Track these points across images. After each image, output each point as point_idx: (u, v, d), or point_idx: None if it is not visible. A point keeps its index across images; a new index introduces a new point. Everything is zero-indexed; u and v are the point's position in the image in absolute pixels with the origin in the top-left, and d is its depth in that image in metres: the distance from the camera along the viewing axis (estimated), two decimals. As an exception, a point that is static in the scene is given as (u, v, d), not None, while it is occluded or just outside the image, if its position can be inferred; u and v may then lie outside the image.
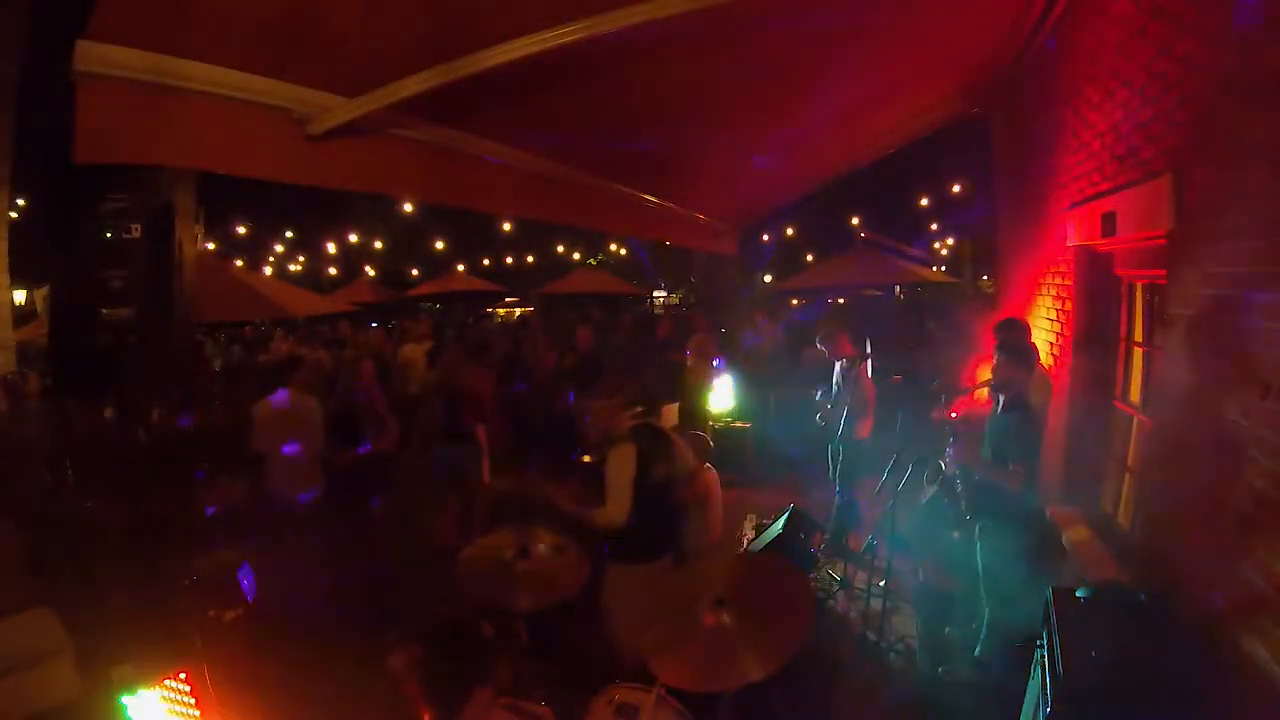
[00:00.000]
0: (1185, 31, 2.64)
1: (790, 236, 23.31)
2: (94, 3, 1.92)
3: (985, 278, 15.10)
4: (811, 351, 8.49)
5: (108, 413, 4.82)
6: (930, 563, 4.73)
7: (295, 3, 2.31)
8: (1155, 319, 3.48)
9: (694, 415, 7.01)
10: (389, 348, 9.38)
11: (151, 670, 2.20)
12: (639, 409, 3.47)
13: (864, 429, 5.54)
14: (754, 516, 5.78)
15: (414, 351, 8.36)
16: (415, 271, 24.43)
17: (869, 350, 5.81)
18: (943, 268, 21.07)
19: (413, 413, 5.86)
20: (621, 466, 3.27)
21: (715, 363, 7.59)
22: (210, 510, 4.94)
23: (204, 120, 2.36)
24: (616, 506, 3.24)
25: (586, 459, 5.25)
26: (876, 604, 4.37)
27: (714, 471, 4.23)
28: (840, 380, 5.68)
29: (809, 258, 22.78)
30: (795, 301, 18.41)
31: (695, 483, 3.64)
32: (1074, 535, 3.87)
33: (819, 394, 5.86)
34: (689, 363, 7.39)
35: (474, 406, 5.72)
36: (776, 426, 7.58)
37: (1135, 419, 3.76)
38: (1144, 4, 3.04)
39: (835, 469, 5.74)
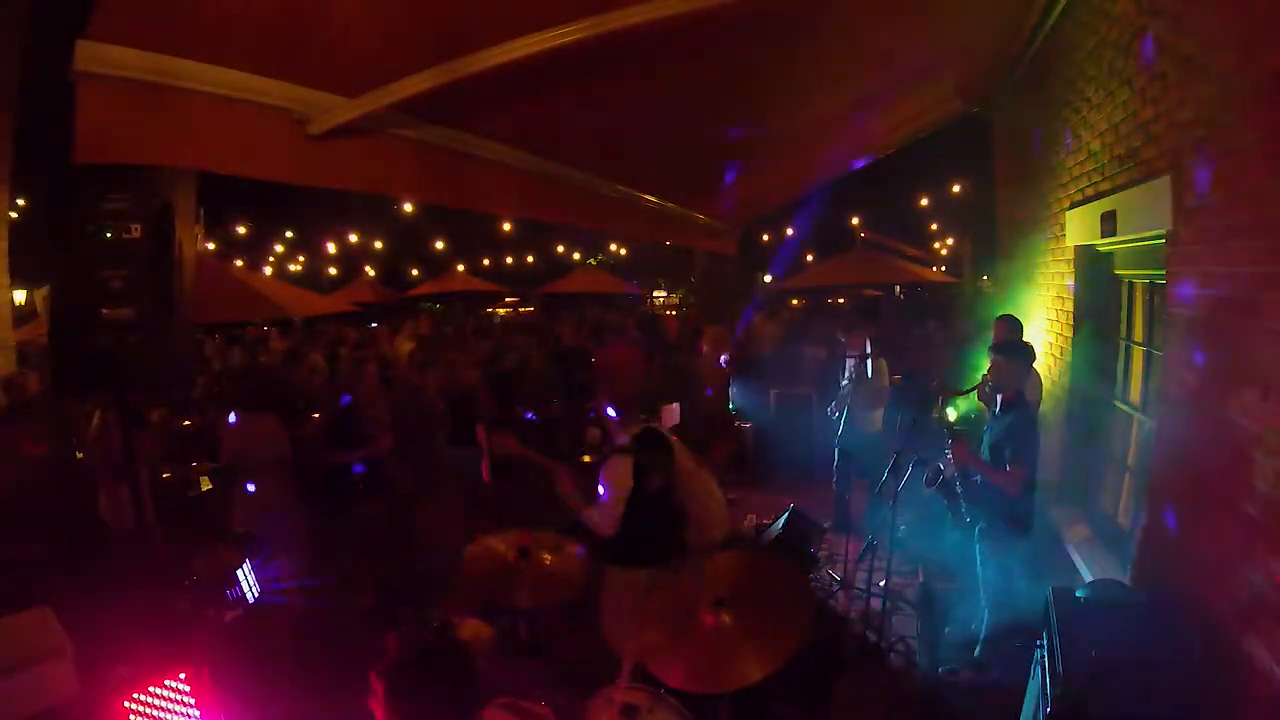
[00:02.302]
0: (1185, 31, 2.64)
1: (790, 236, 23.28)
2: (94, 3, 1.92)
3: (985, 278, 15.09)
4: (812, 351, 8.52)
5: (97, 418, 4.80)
6: (930, 562, 4.73)
7: (295, 2, 2.31)
8: (1155, 319, 3.48)
9: (713, 412, 7.01)
10: (389, 347, 9.39)
11: (151, 670, 2.20)
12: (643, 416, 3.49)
13: (876, 422, 5.70)
14: (754, 516, 5.78)
15: (404, 348, 8.38)
16: (415, 271, 24.43)
17: (867, 350, 5.84)
18: (943, 268, 21.05)
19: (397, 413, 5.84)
20: (617, 478, 3.24)
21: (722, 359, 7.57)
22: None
23: (204, 120, 2.35)
24: (607, 517, 3.23)
25: (586, 459, 5.26)
26: (876, 604, 4.37)
27: (708, 469, 4.20)
28: (855, 374, 5.75)
29: (809, 258, 22.77)
30: (795, 301, 18.42)
31: (689, 484, 3.63)
32: (1074, 535, 3.88)
33: (844, 384, 5.92)
34: (704, 355, 7.36)
35: (474, 407, 5.72)
36: (777, 426, 7.58)
37: (1135, 419, 3.76)
38: (1144, 4, 3.04)
39: (840, 464, 5.78)
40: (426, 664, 1.67)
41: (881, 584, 4.44)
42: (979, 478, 3.65)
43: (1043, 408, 4.44)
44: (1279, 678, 1.83)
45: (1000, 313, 5.14)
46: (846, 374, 5.99)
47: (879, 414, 5.78)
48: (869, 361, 5.71)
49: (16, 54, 5.65)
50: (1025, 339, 4.24)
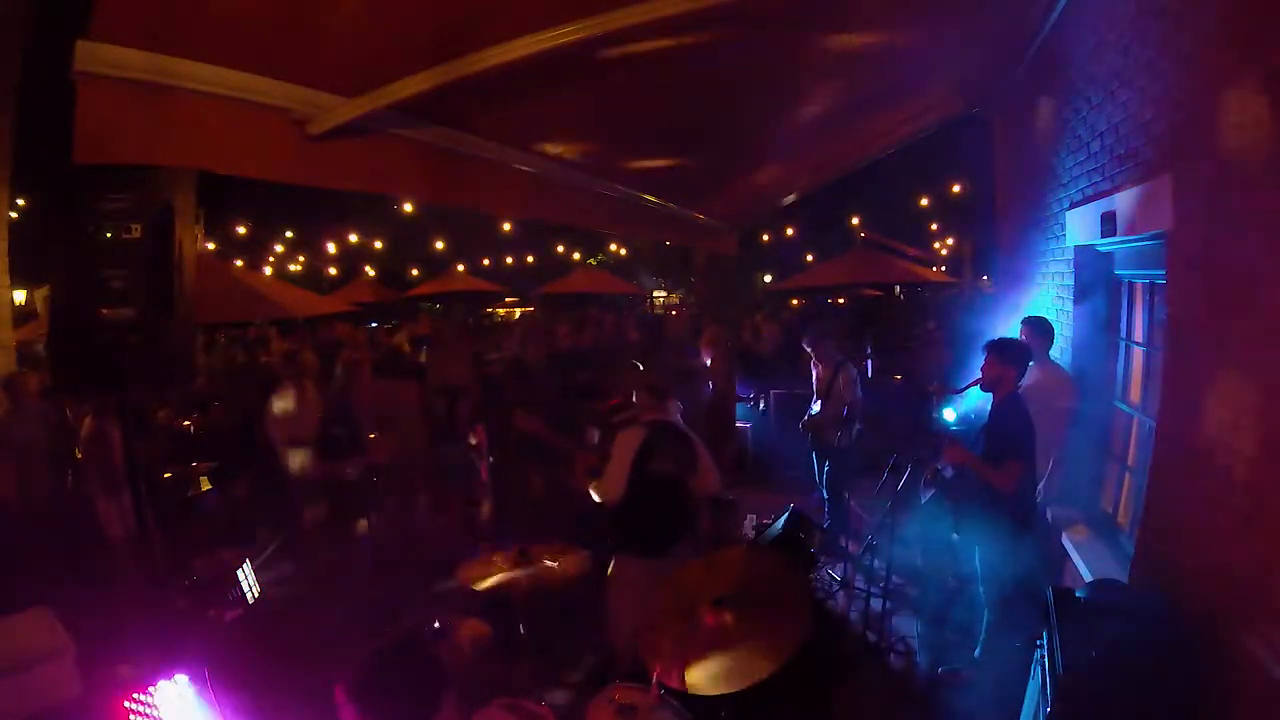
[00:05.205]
0: (1185, 31, 2.64)
1: (790, 236, 23.30)
2: (94, 3, 1.91)
3: (985, 278, 15.10)
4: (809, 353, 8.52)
5: (89, 422, 4.79)
6: (930, 563, 4.73)
7: (296, 2, 2.31)
8: (1155, 319, 3.48)
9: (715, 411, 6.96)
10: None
11: (151, 670, 2.20)
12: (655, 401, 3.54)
13: (849, 434, 5.57)
14: (754, 516, 5.78)
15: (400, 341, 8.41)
16: (415, 271, 24.43)
17: (868, 350, 5.83)
18: (943, 268, 21.05)
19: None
20: (625, 447, 3.34)
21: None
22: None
23: (204, 120, 2.35)
24: (611, 483, 3.35)
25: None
26: (876, 604, 4.37)
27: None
28: (825, 386, 5.70)
29: (809, 258, 22.78)
30: (795, 301, 18.43)
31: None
32: (1074, 535, 3.88)
33: (815, 404, 5.87)
34: (705, 358, 7.32)
35: (472, 406, 5.72)
36: (777, 426, 7.59)
37: (1135, 419, 3.76)
38: (1144, 4, 3.04)
39: (821, 474, 5.78)
40: (388, 669, 1.66)
41: (881, 584, 4.45)
42: (974, 475, 3.64)
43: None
44: (1278, 677, 1.83)
45: (1009, 314, 5.12)
46: (813, 384, 5.90)
47: (853, 427, 5.59)
48: (840, 373, 5.64)
49: (17, 54, 5.65)
50: (1025, 341, 4.20)
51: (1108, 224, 3.36)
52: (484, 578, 2.89)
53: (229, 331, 12.09)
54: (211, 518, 5.54)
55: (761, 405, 7.87)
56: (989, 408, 3.77)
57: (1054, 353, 4.63)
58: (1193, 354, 2.63)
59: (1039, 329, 4.29)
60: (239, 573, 3.62)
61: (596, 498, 3.43)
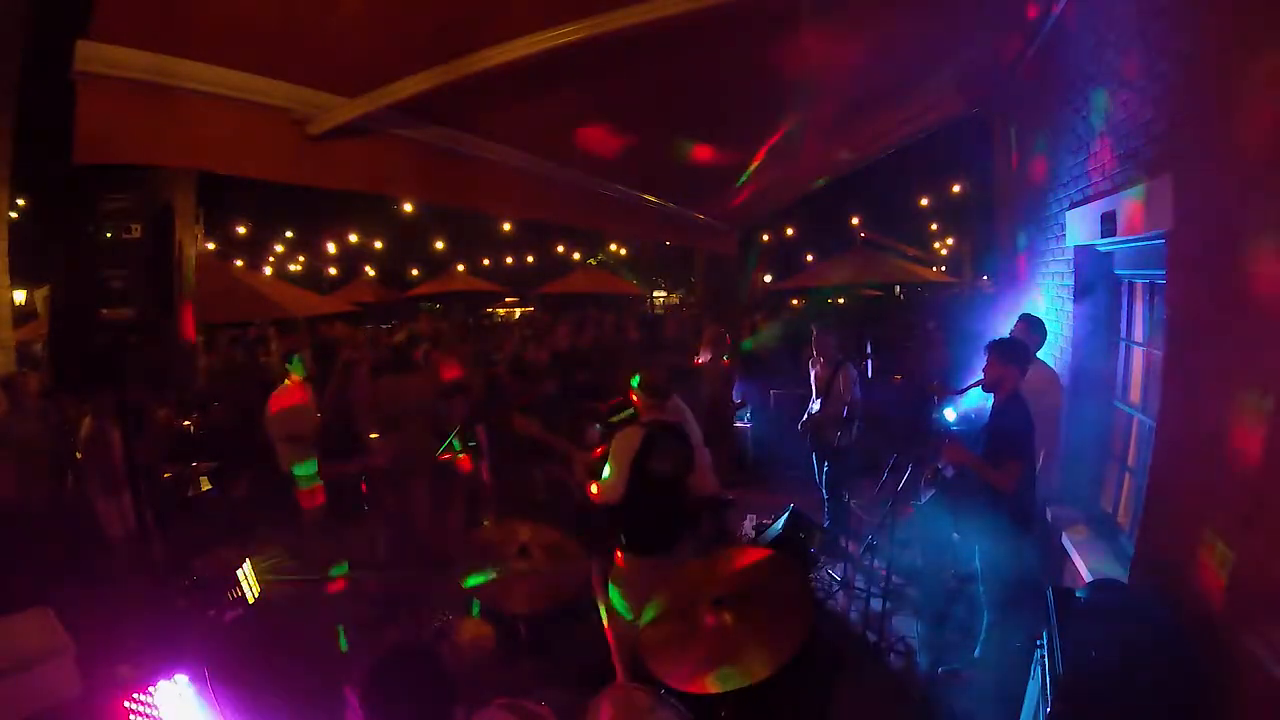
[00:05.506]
0: (1185, 31, 2.64)
1: (790, 236, 23.32)
2: (94, 3, 1.92)
3: (985, 278, 15.13)
4: (811, 352, 8.51)
5: (88, 423, 4.79)
6: (930, 563, 4.74)
7: (295, 2, 2.31)
8: (1155, 319, 3.48)
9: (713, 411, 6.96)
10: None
11: (151, 670, 2.20)
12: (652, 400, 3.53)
13: (849, 434, 5.56)
14: (754, 516, 5.78)
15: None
16: (415, 271, 24.45)
17: (868, 350, 5.82)
18: (943, 268, 21.06)
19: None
20: (624, 447, 3.35)
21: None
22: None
23: (204, 120, 2.35)
24: (611, 484, 3.36)
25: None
26: (876, 604, 4.37)
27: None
28: (825, 385, 5.70)
29: (809, 258, 22.80)
30: (795, 302, 18.44)
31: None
32: (1074, 535, 3.88)
33: (814, 404, 5.87)
34: (702, 359, 7.32)
35: (472, 406, 5.72)
36: (777, 426, 7.59)
37: (1135, 419, 3.76)
38: (1144, 4, 3.04)
39: (821, 473, 5.78)
40: (397, 672, 1.67)
41: (881, 584, 4.45)
42: (974, 475, 3.64)
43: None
44: (1278, 676, 1.83)
45: (1012, 313, 5.11)
46: (812, 383, 5.90)
47: (853, 426, 5.55)
48: (839, 372, 5.62)
49: (16, 54, 5.66)
50: (1022, 339, 4.20)
51: (1108, 224, 3.36)
52: (483, 574, 2.89)
53: (229, 331, 12.09)
54: (211, 518, 5.55)
55: (747, 414, 7.90)
56: (989, 408, 3.77)
57: (1055, 352, 4.64)
58: (1193, 354, 2.63)
59: (1036, 327, 4.30)
60: (239, 573, 3.62)
61: (598, 496, 3.44)
